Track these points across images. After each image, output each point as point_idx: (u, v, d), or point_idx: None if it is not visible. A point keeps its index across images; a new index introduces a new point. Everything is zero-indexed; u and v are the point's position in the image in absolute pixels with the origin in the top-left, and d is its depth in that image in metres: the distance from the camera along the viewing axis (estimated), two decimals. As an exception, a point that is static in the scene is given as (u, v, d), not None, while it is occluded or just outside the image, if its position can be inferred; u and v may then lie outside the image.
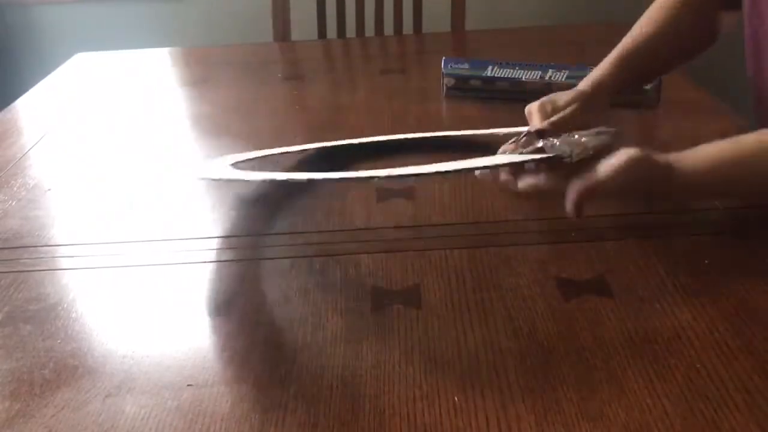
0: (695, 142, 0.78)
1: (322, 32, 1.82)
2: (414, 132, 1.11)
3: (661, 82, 1.14)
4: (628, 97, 1.16)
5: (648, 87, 1.14)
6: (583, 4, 2.45)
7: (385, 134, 1.10)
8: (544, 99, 0.91)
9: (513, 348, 0.65)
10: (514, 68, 1.21)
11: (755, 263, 0.75)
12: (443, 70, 1.25)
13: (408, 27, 1.83)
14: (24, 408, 0.62)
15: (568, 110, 0.88)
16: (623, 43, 0.97)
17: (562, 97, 0.90)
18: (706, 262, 0.76)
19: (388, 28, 1.83)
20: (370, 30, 1.83)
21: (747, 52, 0.93)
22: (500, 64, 1.22)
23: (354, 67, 1.59)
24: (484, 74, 1.22)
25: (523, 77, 1.21)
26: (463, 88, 1.24)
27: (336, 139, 1.09)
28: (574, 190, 0.73)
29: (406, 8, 1.82)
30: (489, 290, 0.73)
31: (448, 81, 1.24)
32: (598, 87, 0.93)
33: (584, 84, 0.95)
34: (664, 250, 0.78)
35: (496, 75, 1.22)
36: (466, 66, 1.24)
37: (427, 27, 1.82)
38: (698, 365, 0.61)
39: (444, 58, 1.26)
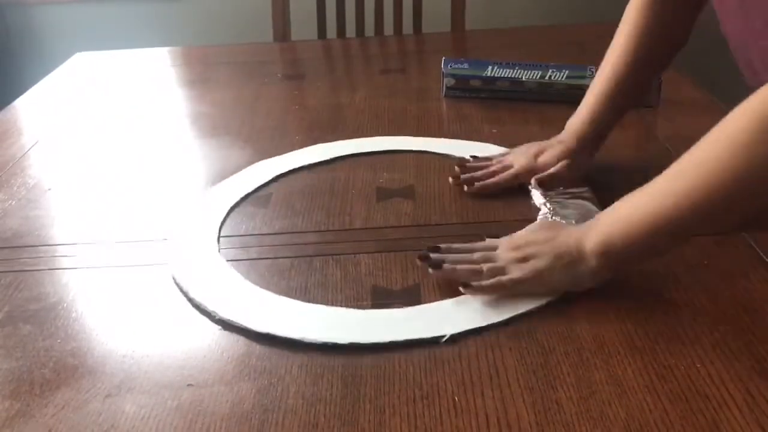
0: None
1: (322, 32, 1.82)
2: (414, 132, 1.12)
3: (661, 82, 1.14)
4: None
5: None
6: (583, 4, 2.45)
7: (386, 134, 1.11)
8: (531, 147, 0.95)
9: (513, 348, 0.65)
10: (514, 68, 1.21)
11: (755, 263, 0.75)
12: (443, 70, 1.25)
13: (408, 27, 1.83)
14: (24, 408, 0.62)
15: (555, 169, 0.90)
16: (600, 87, 0.93)
17: (550, 151, 0.93)
18: (705, 262, 0.76)
19: (388, 28, 1.83)
20: (370, 30, 1.82)
21: (736, 51, 0.88)
22: (500, 64, 1.22)
23: (354, 66, 1.59)
24: (484, 74, 1.22)
25: (523, 77, 1.21)
26: (463, 88, 1.24)
27: (336, 139, 1.09)
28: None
29: (406, 8, 1.82)
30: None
31: (448, 81, 1.24)
32: (582, 142, 0.93)
33: (570, 137, 0.94)
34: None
35: (496, 75, 1.22)
36: (466, 66, 1.24)
37: (427, 27, 1.82)
38: (698, 365, 0.61)
39: (444, 58, 1.26)
